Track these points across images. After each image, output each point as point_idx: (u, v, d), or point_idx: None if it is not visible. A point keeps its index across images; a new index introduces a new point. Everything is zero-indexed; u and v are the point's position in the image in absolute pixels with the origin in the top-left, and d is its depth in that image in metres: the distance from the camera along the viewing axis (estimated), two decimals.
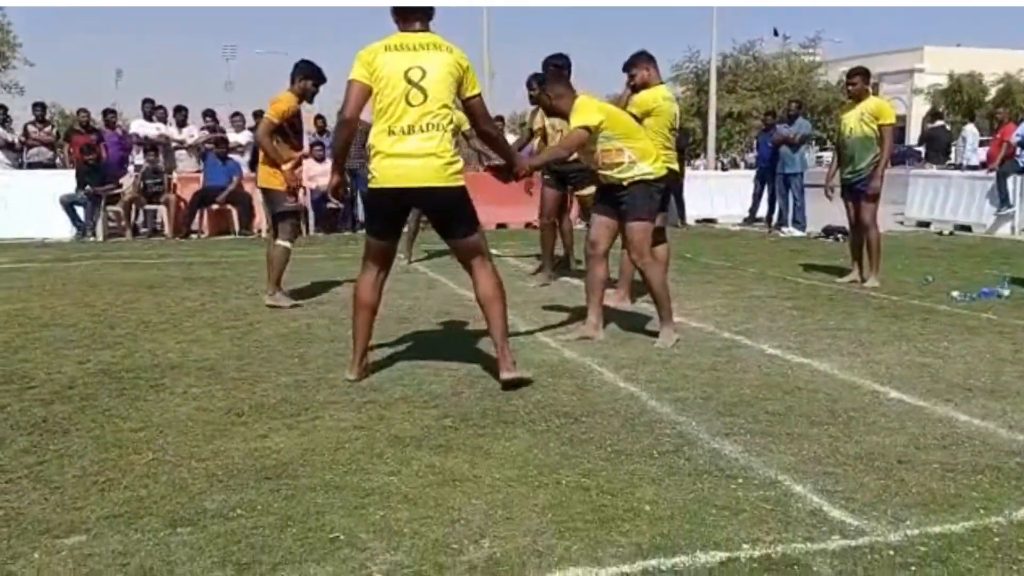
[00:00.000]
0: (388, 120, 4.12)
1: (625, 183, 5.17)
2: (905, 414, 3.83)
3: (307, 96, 6.65)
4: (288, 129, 6.58)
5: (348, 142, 4.52)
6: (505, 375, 4.22)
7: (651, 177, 5.20)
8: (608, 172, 5.20)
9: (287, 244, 6.68)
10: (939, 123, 17.38)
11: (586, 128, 5.02)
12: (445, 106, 4.15)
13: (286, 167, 6.54)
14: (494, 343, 4.32)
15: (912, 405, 3.97)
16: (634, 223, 5.19)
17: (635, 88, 6.09)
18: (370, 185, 4.27)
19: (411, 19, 4.23)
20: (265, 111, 6.93)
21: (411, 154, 4.10)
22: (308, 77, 6.60)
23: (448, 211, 4.30)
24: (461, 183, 4.23)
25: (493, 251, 9.71)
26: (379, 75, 4.11)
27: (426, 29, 4.24)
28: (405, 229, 7.11)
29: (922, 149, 19.66)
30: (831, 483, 3.03)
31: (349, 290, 7.24)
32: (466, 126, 9.16)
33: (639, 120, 5.64)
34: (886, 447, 3.40)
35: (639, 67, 6.08)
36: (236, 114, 14.72)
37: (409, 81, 4.08)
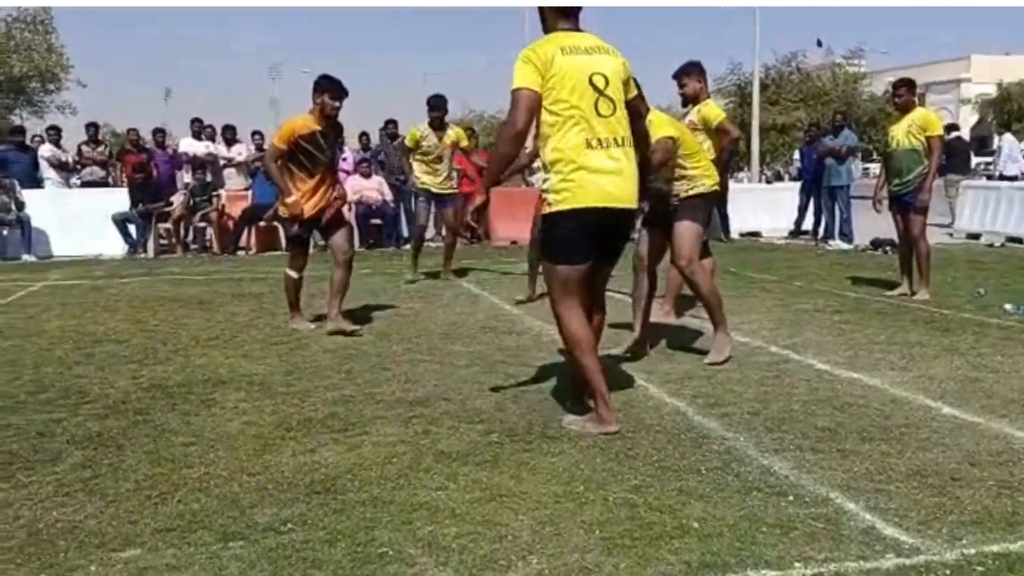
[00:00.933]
0: (583, 132, 3.70)
1: (680, 197, 5.12)
2: (958, 430, 3.76)
3: (327, 112, 6.09)
4: (303, 152, 6.06)
5: (513, 159, 4.22)
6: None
7: (706, 192, 5.16)
8: (664, 187, 5.10)
9: (289, 272, 6.44)
10: (955, 134, 17.04)
11: (672, 139, 4.98)
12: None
13: (290, 200, 6.13)
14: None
15: (966, 421, 3.90)
16: (683, 222, 5.10)
17: (686, 99, 6.06)
18: (571, 205, 3.72)
19: (574, 17, 3.85)
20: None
21: (617, 172, 3.76)
22: (324, 91, 6.07)
23: (625, 236, 4.01)
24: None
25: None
26: (559, 81, 3.67)
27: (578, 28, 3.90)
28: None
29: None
30: (884, 500, 2.99)
31: (397, 308, 7.33)
32: (464, 142, 9.22)
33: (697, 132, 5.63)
34: (940, 464, 3.34)
35: (691, 77, 5.99)
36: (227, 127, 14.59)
37: (596, 89, 3.73)
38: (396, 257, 11.68)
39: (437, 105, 8.87)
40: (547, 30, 3.87)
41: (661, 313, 6.35)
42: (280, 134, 6.15)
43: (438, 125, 8.84)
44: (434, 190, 8.98)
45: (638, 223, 5.02)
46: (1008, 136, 19.34)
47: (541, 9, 3.90)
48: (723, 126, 5.99)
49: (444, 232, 10.33)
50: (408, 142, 9.02)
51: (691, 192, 5.13)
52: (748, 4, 26.88)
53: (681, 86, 6.16)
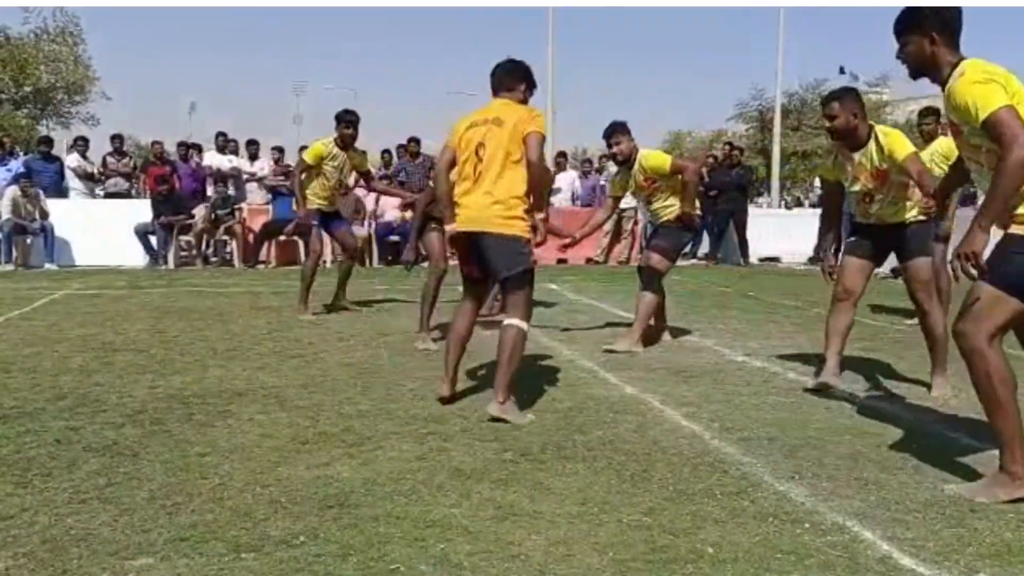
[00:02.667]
0: None
1: (907, 221, 4.98)
2: (979, 461, 3.71)
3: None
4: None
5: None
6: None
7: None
8: (892, 209, 4.97)
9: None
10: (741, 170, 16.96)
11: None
12: None
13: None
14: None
15: (986, 452, 3.85)
16: (922, 259, 5.00)
17: (619, 158, 6.39)
18: None
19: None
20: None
21: None
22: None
23: None
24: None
25: (552, 286, 9.73)
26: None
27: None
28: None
29: None
30: (901, 530, 2.95)
31: (413, 324, 7.34)
32: (365, 167, 8.05)
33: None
34: (958, 494, 3.30)
35: (624, 136, 6.28)
36: (251, 142, 14.81)
37: None
38: (415, 275, 11.69)
39: (351, 121, 7.67)
40: (941, 59, 3.40)
41: (628, 342, 6.19)
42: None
43: (348, 144, 7.67)
44: (325, 208, 7.82)
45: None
46: None
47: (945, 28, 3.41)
48: (676, 165, 6.25)
49: (339, 255, 8.93)
50: (309, 159, 7.65)
51: (918, 217, 5.01)
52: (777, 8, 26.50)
53: (616, 144, 6.27)
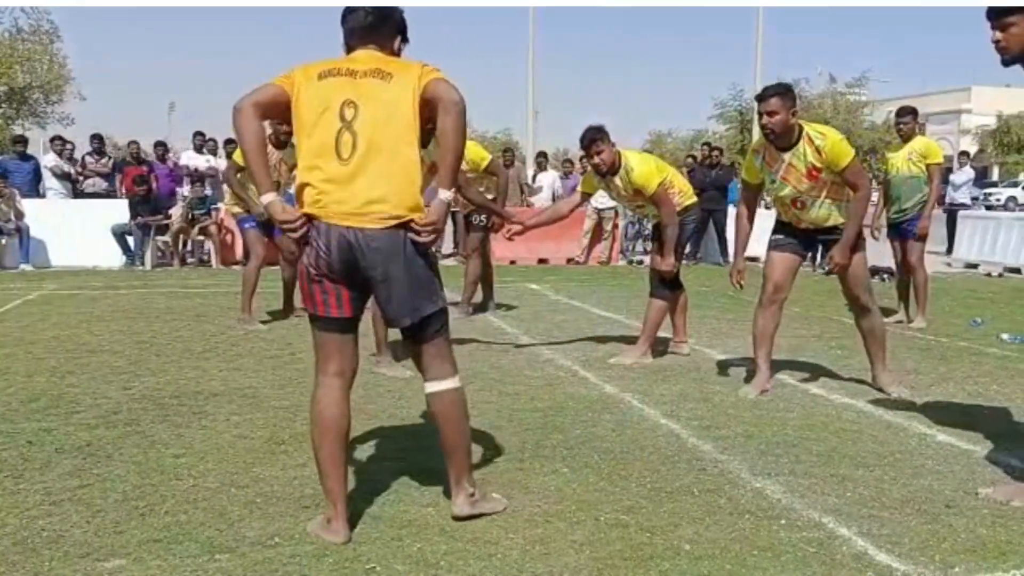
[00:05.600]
0: None
1: (839, 226, 4.85)
2: (953, 458, 3.74)
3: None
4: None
5: None
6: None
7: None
8: (827, 212, 4.88)
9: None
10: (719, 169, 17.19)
11: None
12: None
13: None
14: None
15: (960, 448, 3.88)
16: (856, 256, 4.85)
17: (601, 168, 5.62)
18: None
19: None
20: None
21: None
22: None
23: None
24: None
25: (533, 286, 9.68)
26: None
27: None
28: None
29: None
30: (877, 526, 2.96)
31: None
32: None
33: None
34: (934, 491, 3.32)
35: (605, 143, 5.53)
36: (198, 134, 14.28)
37: None
38: None
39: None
40: None
41: (638, 353, 5.85)
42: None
43: (283, 143, 6.97)
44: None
45: None
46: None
47: None
48: (658, 197, 5.64)
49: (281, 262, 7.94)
50: (238, 159, 6.89)
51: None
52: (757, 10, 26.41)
53: (597, 154, 5.52)
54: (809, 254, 5.14)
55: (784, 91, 4.75)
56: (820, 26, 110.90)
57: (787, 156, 4.74)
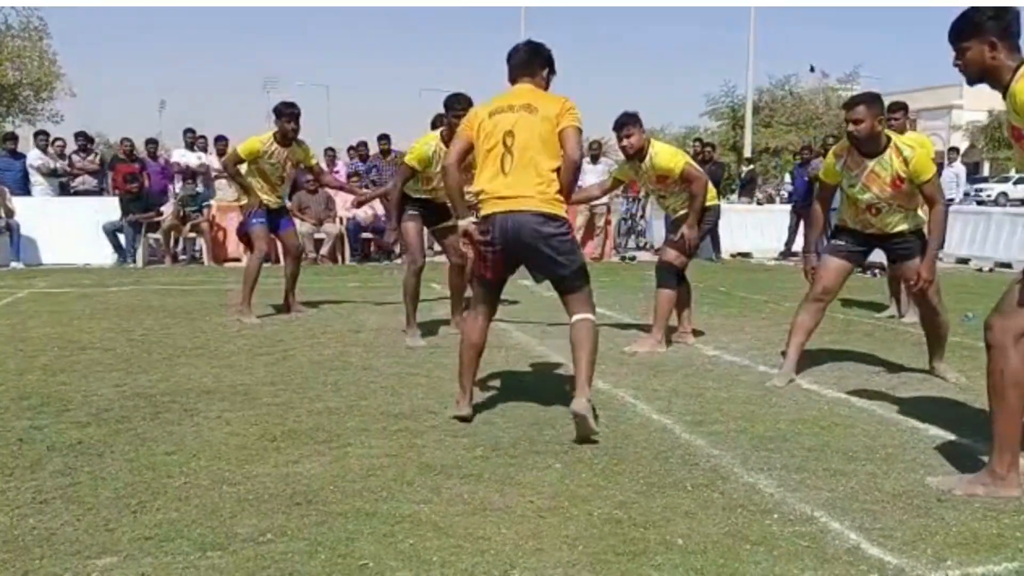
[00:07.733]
0: None
1: (904, 232, 5.06)
2: (945, 452, 3.75)
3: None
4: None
5: None
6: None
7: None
8: (896, 218, 5.01)
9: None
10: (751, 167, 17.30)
11: None
12: None
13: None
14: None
15: (952, 442, 3.89)
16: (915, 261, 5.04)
17: (629, 151, 5.92)
18: None
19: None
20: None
21: None
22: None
23: None
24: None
25: (526, 282, 9.75)
26: None
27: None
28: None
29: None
30: (869, 520, 2.97)
31: (385, 322, 7.30)
32: (311, 161, 7.65)
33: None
34: (926, 485, 3.32)
35: (636, 128, 5.88)
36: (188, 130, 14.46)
37: None
38: (387, 271, 11.67)
39: (294, 114, 7.14)
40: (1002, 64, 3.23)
41: (652, 342, 6.04)
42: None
43: (290, 139, 7.19)
44: (272, 206, 7.39)
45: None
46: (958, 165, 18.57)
47: None
48: (687, 173, 5.88)
49: (283, 258, 8.37)
50: (242, 153, 7.20)
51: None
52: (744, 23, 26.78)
53: (627, 136, 5.85)
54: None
55: (871, 100, 4.84)
56: (813, 22, 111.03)
57: (871, 163, 4.84)
